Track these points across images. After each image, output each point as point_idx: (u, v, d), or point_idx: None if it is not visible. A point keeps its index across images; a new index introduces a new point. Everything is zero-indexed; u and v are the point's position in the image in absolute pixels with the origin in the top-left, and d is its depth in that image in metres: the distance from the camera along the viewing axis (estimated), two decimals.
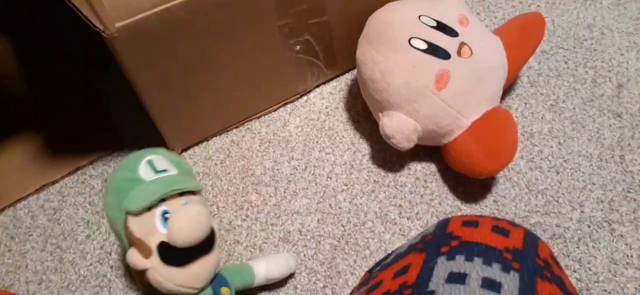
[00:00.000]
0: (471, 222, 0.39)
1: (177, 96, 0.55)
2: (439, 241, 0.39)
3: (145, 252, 0.43)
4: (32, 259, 0.56)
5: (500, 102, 0.59)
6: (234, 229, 0.57)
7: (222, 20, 0.50)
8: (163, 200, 0.43)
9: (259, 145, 0.62)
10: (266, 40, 0.55)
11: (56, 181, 0.60)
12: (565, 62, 0.67)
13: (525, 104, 0.64)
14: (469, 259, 0.36)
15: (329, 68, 0.64)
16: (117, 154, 0.62)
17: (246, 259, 0.55)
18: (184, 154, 0.62)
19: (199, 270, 0.44)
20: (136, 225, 0.43)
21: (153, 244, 0.42)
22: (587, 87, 0.64)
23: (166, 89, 0.53)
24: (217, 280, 0.46)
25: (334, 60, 0.64)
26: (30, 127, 0.63)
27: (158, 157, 0.46)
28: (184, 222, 0.42)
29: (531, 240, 0.39)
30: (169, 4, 0.45)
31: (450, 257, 0.36)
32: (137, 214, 0.43)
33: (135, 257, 0.43)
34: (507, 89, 0.64)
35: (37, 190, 0.59)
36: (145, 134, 0.62)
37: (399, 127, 0.54)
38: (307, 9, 0.55)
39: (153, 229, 0.43)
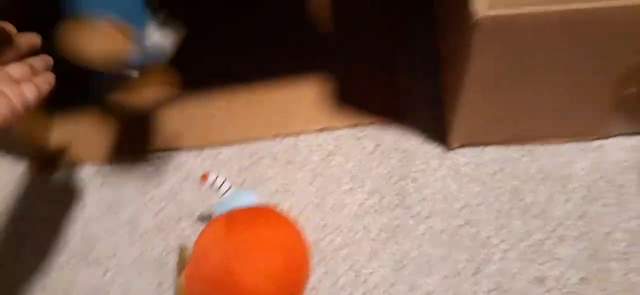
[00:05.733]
0: None
1: (487, 95, 0.53)
2: None
3: None
4: (300, 189, 0.61)
5: None
6: (489, 246, 0.55)
7: (588, 37, 0.45)
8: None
9: (536, 173, 0.58)
10: (608, 72, 0.50)
11: (336, 128, 0.63)
12: None
13: None
14: None
15: None
16: (395, 125, 0.63)
17: (494, 281, 0.52)
18: (457, 150, 0.61)
19: None
20: None
21: None
22: None
23: (485, 85, 0.51)
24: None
25: None
26: (327, 70, 0.67)
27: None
28: None
29: None
30: (549, 8, 0.42)
31: None
32: None
33: None
34: None
35: (318, 130, 0.64)
36: (427, 114, 0.63)
37: None
38: None
39: None
